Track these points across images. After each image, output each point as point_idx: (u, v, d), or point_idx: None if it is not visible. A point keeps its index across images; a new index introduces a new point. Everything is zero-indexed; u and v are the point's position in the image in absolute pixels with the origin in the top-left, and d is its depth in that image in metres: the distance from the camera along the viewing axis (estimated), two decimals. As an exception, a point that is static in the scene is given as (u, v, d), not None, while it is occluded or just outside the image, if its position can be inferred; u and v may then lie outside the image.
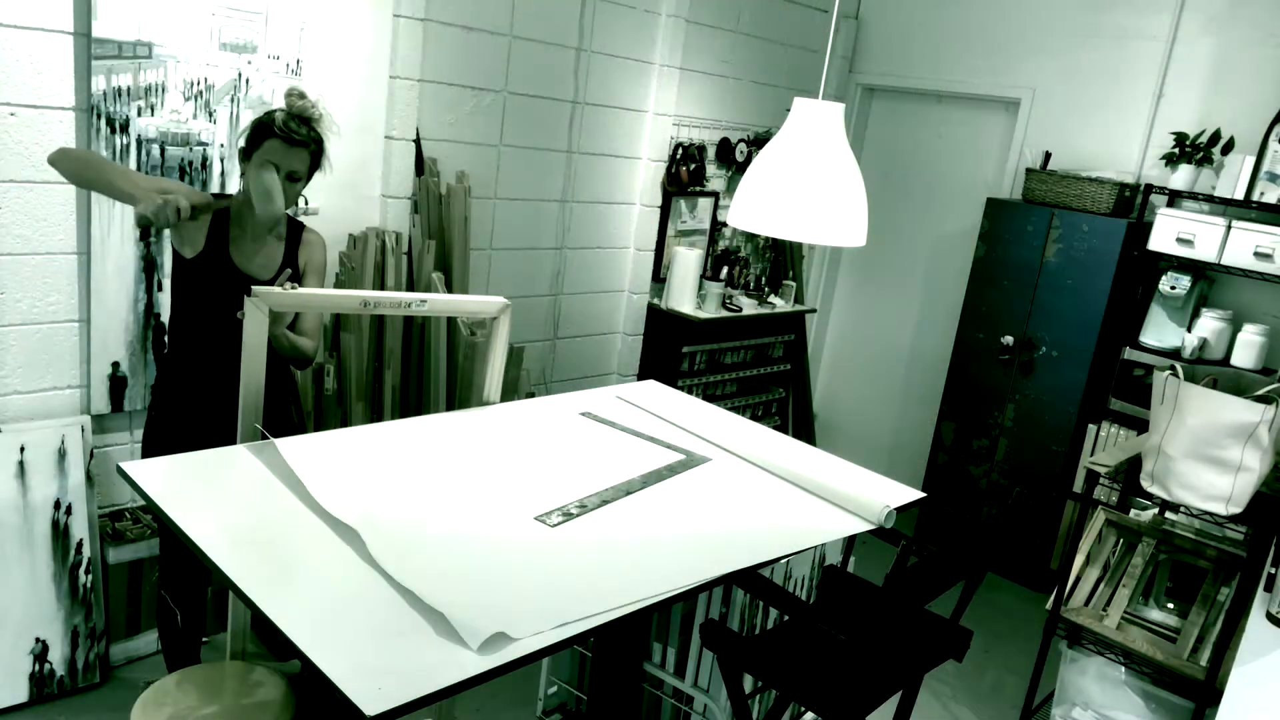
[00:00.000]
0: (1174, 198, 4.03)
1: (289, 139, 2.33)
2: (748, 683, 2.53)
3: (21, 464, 2.71)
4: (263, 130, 2.34)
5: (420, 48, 3.36)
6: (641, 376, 4.52)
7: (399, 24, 3.28)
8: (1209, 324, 3.89)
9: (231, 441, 2.10)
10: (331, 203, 3.22)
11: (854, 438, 5.49)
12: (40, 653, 2.76)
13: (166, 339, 2.64)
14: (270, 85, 3.01)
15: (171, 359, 2.53)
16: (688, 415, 2.69)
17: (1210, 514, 2.76)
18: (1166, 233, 3.86)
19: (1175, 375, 2.78)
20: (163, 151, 2.84)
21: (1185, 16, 4.12)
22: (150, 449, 2.49)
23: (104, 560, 2.89)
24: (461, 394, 3.47)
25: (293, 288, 2.15)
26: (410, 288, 3.47)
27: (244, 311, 2.07)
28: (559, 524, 1.93)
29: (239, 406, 2.12)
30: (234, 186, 3.00)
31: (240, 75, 2.95)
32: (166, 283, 2.93)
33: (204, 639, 2.89)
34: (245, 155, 2.36)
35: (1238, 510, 2.70)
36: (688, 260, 4.42)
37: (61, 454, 2.78)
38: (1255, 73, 3.95)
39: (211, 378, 2.45)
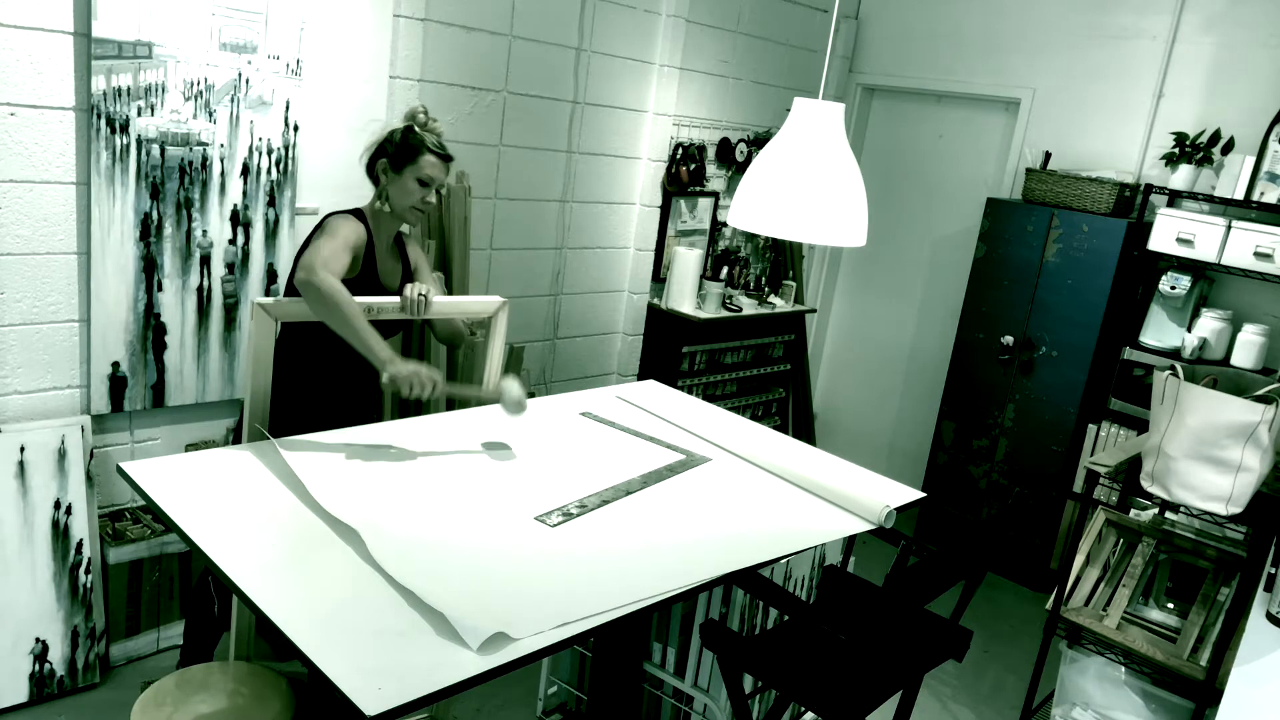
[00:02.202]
0: (1174, 198, 4.03)
1: (444, 157, 2.49)
2: (748, 683, 2.53)
3: (21, 464, 2.71)
4: (414, 148, 2.45)
5: (420, 48, 3.36)
6: (641, 376, 4.52)
7: (399, 24, 3.28)
8: (1209, 324, 3.89)
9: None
10: (331, 203, 3.21)
11: (854, 438, 5.49)
12: (40, 653, 2.76)
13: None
14: (270, 85, 3.01)
15: (285, 356, 2.50)
16: (688, 415, 2.69)
17: (1210, 514, 2.76)
18: (1166, 233, 3.86)
19: (1175, 375, 2.78)
20: (163, 152, 2.84)
21: (1185, 16, 4.12)
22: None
23: (104, 560, 2.89)
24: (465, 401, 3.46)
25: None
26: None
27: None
28: (559, 524, 1.93)
29: (247, 409, 2.15)
30: (234, 188, 3.00)
31: (240, 75, 2.95)
32: (167, 283, 2.94)
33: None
34: (395, 168, 2.46)
35: (1238, 510, 2.70)
36: (688, 260, 4.42)
37: (61, 454, 2.78)
38: (1255, 73, 3.95)
39: (340, 379, 2.55)
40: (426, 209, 2.55)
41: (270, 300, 2.17)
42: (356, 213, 2.52)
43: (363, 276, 2.47)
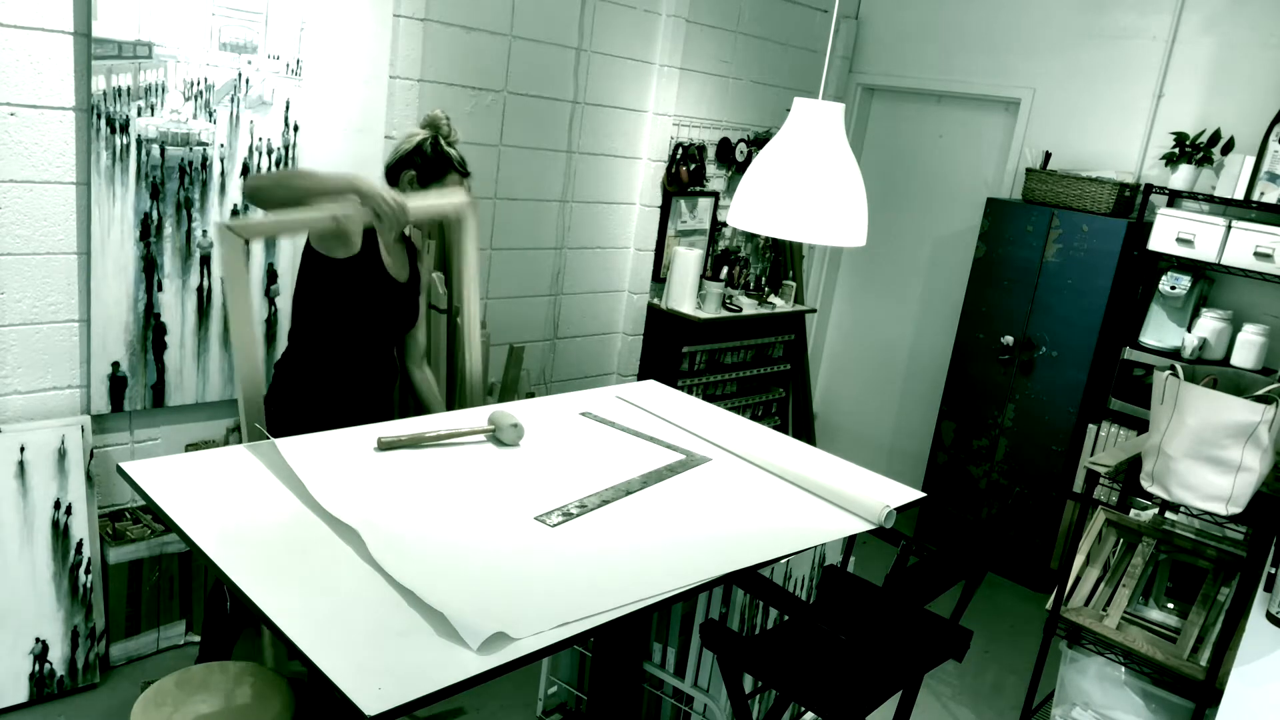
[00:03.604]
0: (1174, 198, 4.03)
1: (467, 174, 2.55)
2: (748, 683, 2.53)
3: (21, 464, 2.71)
4: (444, 167, 2.48)
5: (420, 48, 3.36)
6: (641, 376, 4.52)
7: (399, 24, 3.28)
8: (1209, 324, 3.89)
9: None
10: (331, 203, 3.22)
11: (854, 438, 5.49)
12: (40, 653, 2.76)
13: (289, 339, 2.61)
14: (270, 85, 3.02)
15: (298, 360, 2.54)
16: (688, 415, 2.69)
17: (1210, 514, 2.76)
18: (1166, 233, 3.86)
19: (1175, 375, 2.78)
20: (163, 151, 2.84)
21: (1185, 16, 4.12)
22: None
23: (104, 560, 2.89)
24: (462, 394, 3.46)
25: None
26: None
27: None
28: (559, 524, 1.93)
29: (240, 400, 2.14)
30: (234, 188, 3.00)
31: (240, 75, 2.95)
32: (167, 283, 2.94)
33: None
34: (423, 183, 2.48)
35: (1238, 510, 2.70)
36: (688, 260, 4.42)
37: (61, 454, 2.78)
38: (1255, 73, 3.95)
39: (346, 377, 2.53)
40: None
41: (235, 220, 2.12)
42: None
43: (365, 260, 2.44)
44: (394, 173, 2.52)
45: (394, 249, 2.59)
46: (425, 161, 2.47)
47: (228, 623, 2.69)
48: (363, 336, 2.54)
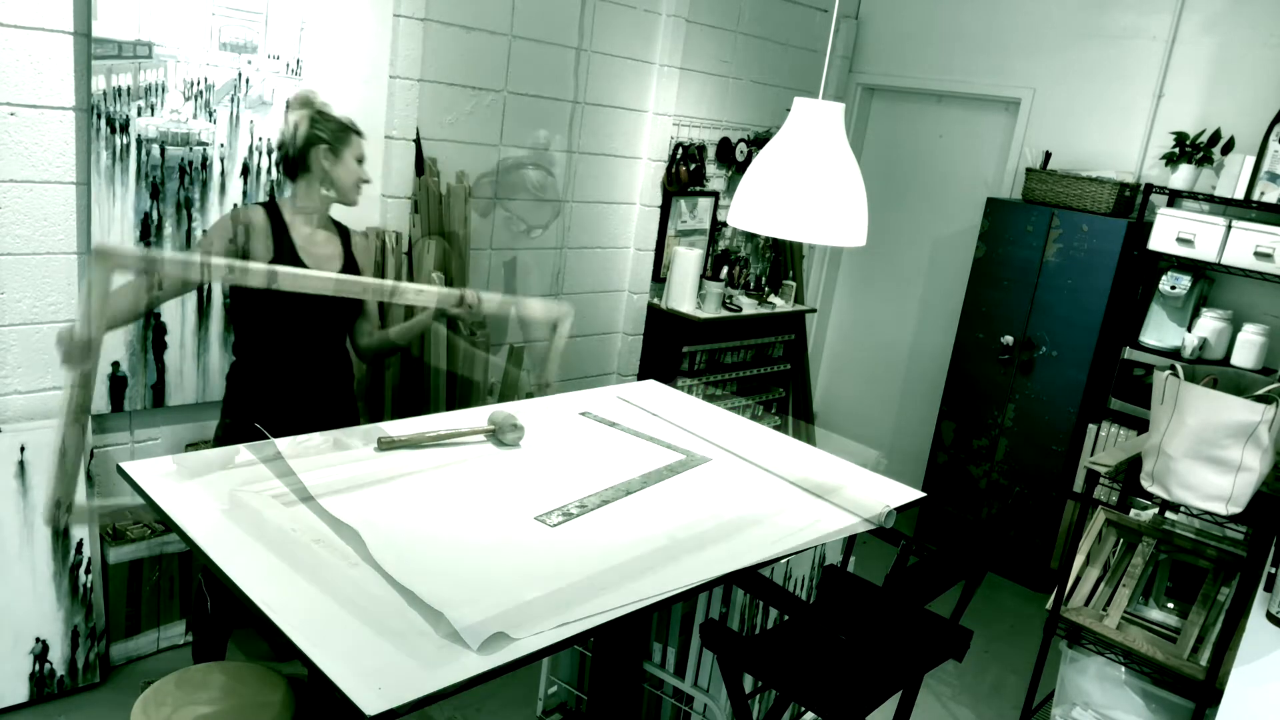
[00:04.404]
0: (1174, 198, 4.03)
1: (361, 133, 2.59)
2: (748, 683, 2.53)
3: (21, 464, 2.71)
4: (347, 130, 2.54)
5: (420, 48, 3.36)
6: (641, 376, 4.52)
7: (399, 24, 3.28)
8: (1209, 324, 3.89)
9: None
10: (331, 203, 3.22)
11: (854, 438, 5.49)
12: (40, 653, 2.76)
13: (233, 350, 2.64)
14: (270, 85, 3.01)
15: (243, 369, 2.58)
16: (688, 415, 2.69)
17: (1210, 514, 2.76)
18: (1166, 232, 3.86)
19: (1175, 375, 2.78)
20: (163, 151, 2.84)
21: (1185, 16, 4.12)
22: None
23: (104, 560, 2.89)
24: (461, 394, 3.46)
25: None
26: (410, 288, 3.46)
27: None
28: (559, 524, 1.93)
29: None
30: (234, 188, 3.00)
31: (240, 75, 2.95)
32: (166, 283, 2.93)
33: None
34: (335, 152, 2.50)
35: (1238, 510, 2.70)
36: (688, 260, 4.42)
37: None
38: (1255, 73, 3.95)
39: (293, 380, 2.54)
40: (368, 182, 2.62)
41: (106, 247, 2.12)
42: (266, 203, 2.54)
43: (277, 260, 2.42)
44: (302, 159, 2.49)
45: (314, 240, 2.57)
46: (331, 133, 2.49)
47: (213, 623, 2.68)
48: (298, 334, 2.53)
